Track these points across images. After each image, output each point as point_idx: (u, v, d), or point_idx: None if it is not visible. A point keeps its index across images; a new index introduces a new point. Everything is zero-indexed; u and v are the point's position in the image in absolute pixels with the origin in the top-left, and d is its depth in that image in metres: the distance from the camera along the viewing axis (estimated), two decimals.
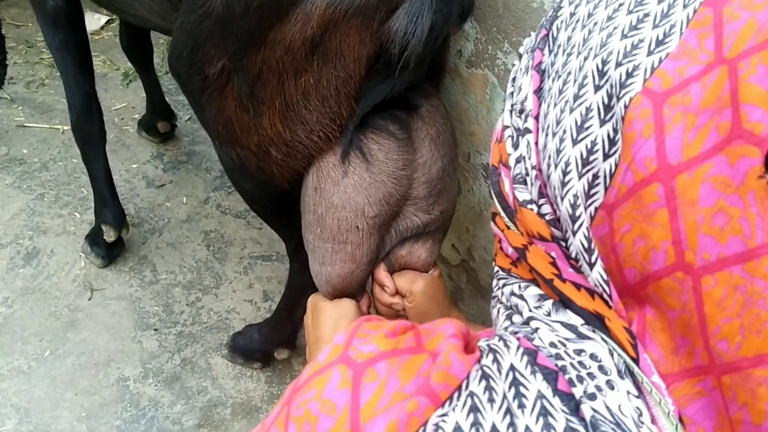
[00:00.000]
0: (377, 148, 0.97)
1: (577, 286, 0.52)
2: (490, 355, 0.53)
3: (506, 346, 0.53)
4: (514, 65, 0.61)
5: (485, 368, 0.52)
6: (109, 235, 1.84)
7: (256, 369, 1.71)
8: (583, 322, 0.53)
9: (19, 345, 1.72)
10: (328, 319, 1.04)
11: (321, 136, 0.97)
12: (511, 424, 0.48)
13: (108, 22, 2.72)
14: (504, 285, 0.63)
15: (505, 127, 0.59)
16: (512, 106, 0.59)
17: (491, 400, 0.49)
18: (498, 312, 0.64)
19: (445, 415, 0.49)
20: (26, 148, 2.24)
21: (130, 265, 1.94)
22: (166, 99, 2.25)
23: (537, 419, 0.48)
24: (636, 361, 0.48)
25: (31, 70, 2.54)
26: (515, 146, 0.57)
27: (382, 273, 1.07)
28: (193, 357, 1.74)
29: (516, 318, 0.60)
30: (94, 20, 2.71)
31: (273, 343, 1.65)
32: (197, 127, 2.31)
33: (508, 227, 0.60)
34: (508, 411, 0.49)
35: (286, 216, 1.18)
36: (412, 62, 0.89)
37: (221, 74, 0.94)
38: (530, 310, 0.58)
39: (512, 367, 0.51)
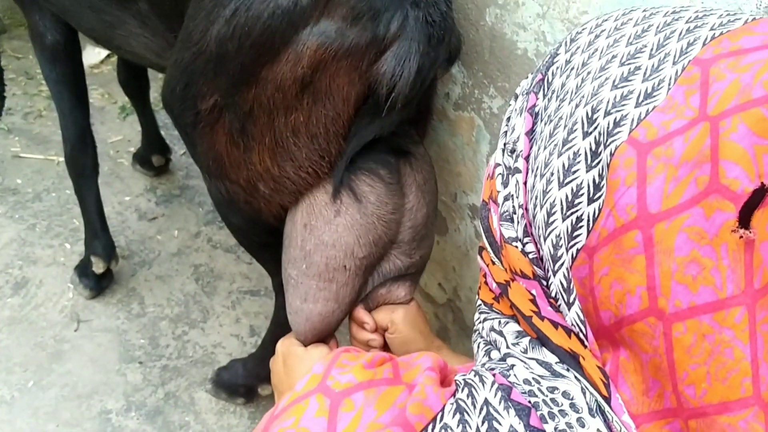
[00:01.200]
0: (369, 190, 0.98)
1: (555, 325, 0.54)
2: (465, 389, 0.54)
3: (481, 381, 0.54)
4: (510, 105, 0.63)
5: (460, 402, 0.53)
6: (98, 267, 1.85)
7: (240, 404, 1.70)
8: (558, 360, 0.54)
9: (3, 375, 1.71)
10: (303, 366, 1.01)
11: (310, 172, 0.99)
12: None
13: (108, 56, 2.77)
14: (485, 320, 0.65)
15: (497, 165, 0.61)
16: (504, 144, 0.61)
17: None
18: (478, 346, 0.65)
19: None
20: (20, 179, 2.25)
21: (118, 297, 1.94)
22: (162, 133, 2.27)
23: None
24: (608, 400, 0.49)
25: (30, 102, 2.57)
26: (505, 184, 0.59)
27: (360, 311, 1.07)
28: (176, 391, 1.73)
29: (494, 354, 0.61)
30: (94, 54, 2.75)
31: (257, 378, 1.65)
32: (192, 161, 2.32)
33: (493, 262, 0.61)
34: None
35: (273, 251, 1.19)
36: (399, 103, 0.91)
37: (213, 110, 0.96)
38: (508, 347, 0.59)
39: (486, 402, 0.52)
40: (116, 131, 2.48)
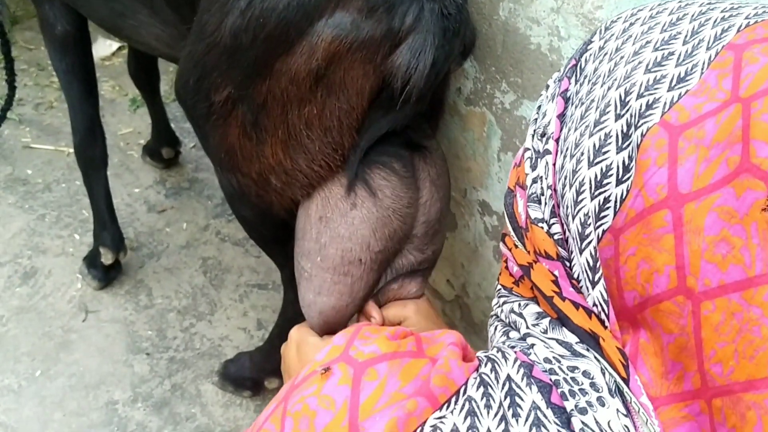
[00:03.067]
0: (385, 183, 0.98)
1: (576, 305, 0.54)
2: (489, 365, 0.55)
3: (504, 357, 0.55)
4: (541, 94, 0.64)
5: (484, 376, 0.54)
6: (107, 258, 1.86)
7: (246, 397, 1.71)
8: (578, 340, 0.55)
9: (11, 364, 1.72)
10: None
11: (323, 165, 0.98)
12: (506, 431, 0.49)
13: (119, 48, 2.77)
14: (504, 303, 0.65)
15: (526, 150, 0.61)
16: (534, 131, 0.61)
17: (488, 407, 0.51)
18: (495, 329, 0.65)
19: (443, 417, 0.51)
20: (31, 169, 2.26)
21: (126, 289, 1.95)
22: (172, 126, 2.28)
23: (530, 429, 0.50)
24: (626, 381, 0.50)
25: (41, 93, 2.58)
26: (533, 167, 0.60)
27: (369, 304, 1.07)
28: (183, 383, 1.73)
29: (513, 334, 0.62)
30: (106, 46, 2.76)
31: (264, 371, 1.65)
32: (201, 154, 2.34)
33: (516, 246, 0.62)
34: (504, 418, 0.50)
35: (283, 244, 1.19)
36: (413, 96, 0.91)
37: (226, 102, 0.96)
38: (527, 327, 0.60)
39: (509, 378, 0.53)
40: (126, 123, 2.49)
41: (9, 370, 1.71)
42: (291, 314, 1.47)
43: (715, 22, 0.50)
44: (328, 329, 1.05)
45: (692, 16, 0.52)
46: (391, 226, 0.99)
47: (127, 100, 2.57)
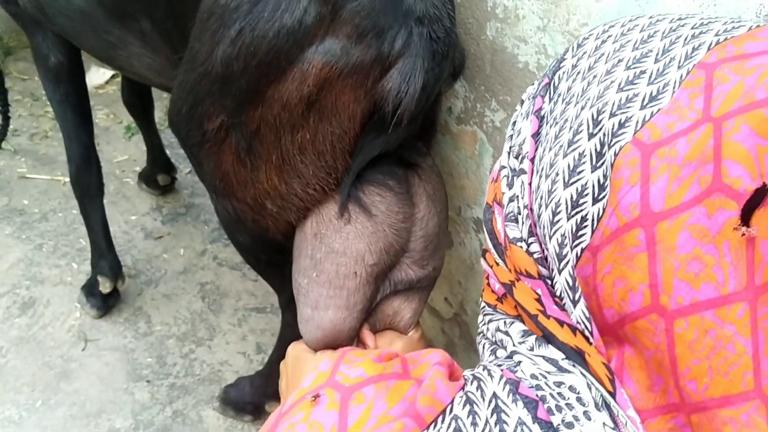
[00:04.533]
0: (379, 200, 0.99)
1: (560, 323, 0.55)
2: (474, 383, 0.55)
3: (490, 375, 0.55)
4: (516, 110, 0.64)
5: (469, 394, 0.54)
6: (105, 287, 1.86)
7: (247, 422, 1.70)
8: (564, 356, 0.55)
9: (11, 395, 1.72)
10: (311, 368, 1.02)
11: (317, 189, 0.99)
12: None
13: (113, 76, 2.79)
14: (490, 321, 0.65)
15: (502, 167, 0.62)
16: (510, 148, 0.62)
17: (474, 424, 0.51)
18: (483, 347, 0.66)
19: None
20: (27, 199, 2.27)
21: (125, 316, 1.95)
22: (167, 152, 2.29)
23: None
24: (613, 395, 0.50)
25: (36, 123, 2.59)
26: (510, 186, 0.60)
27: (364, 331, 1.08)
28: (184, 409, 1.73)
29: (500, 352, 0.62)
30: (99, 75, 2.78)
31: (264, 395, 1.65)
32: (197, 180, 2.34)
33: (497, 263, 0.62)
34: None
35: (280, 268, 1.20)
36: (405, 119, 0.92)
37: (220, 130, 0.97)
38: (514, 345, 0.60)
39: (495, 395, 0.53)
40: (122, 151, 2.50)
41: (9, 401, 1.70)
42: (290, 337, 1.46)
43: (685, 39, 0.50)
44: (325, 344, 1.06)
45: (663, 33, 0.53)
46: (387, 239, 1.00)
47: (122, 127, 2.59)
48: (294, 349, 1.08)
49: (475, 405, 0.52)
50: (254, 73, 0.90)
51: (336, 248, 0.99)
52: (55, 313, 1.93)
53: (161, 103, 2.42)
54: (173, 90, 1.03)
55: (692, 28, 0.52)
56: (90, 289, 1.91)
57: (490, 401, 0.52)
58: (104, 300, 1.91)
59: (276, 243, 1.10)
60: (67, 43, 1.54)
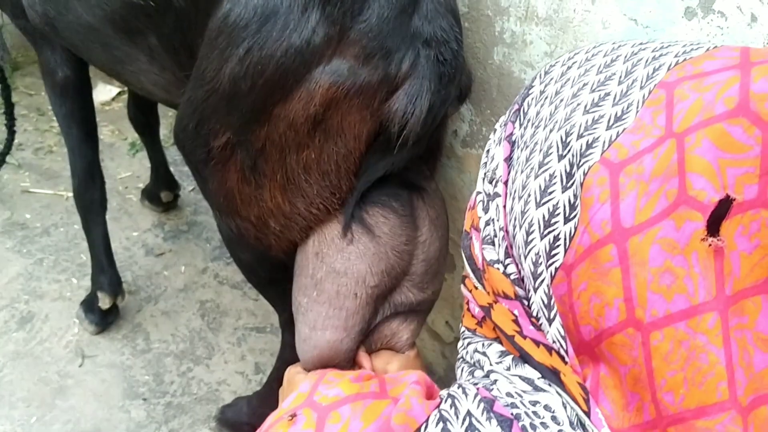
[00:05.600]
0: (383, 221, 0.99)
1: (537, 343, 0.55)
2: (449, 401, 0.56)
3: (464, 393, 0.56)
4: (489, 138, 0.66)
5: (443, 412, 0.55)
6: (104, 302, 1.85)
7: None
8: (540, 376, 0.55)
9: (6, 410, 1.70)
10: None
11: (321, 208, 0.99)
12: None
13: (119, 93, 2.81)
14: (469, 344, 0.66)
15: (478, 193, 0.63)
16: (485, 174, 0.63)
17: None
18: (462, 371, 0.66)
19: None
20: (29, 213, 2.27)
21: (123, 333, 1.94)
22: (171, 169, 2.29)
23: None
24: (588, 414, 0.50)
25: (41, 138, 2.60)
26: (485, 210, 0.62)
27: (360, 353, 1.07)
28: (180, 429, 1.71)
29: (477, 373, 0.63)
30: (106, 91, 2.79)
31: (262, 416, 1.61)
32: (200, 197, 2.35)
33: (476, 288, 0.63)
34: None
35: (281, 287, 1.19)
36: (410, 140, 0.92)
37: (225, 147, 0.97)
38: (491, 365, 0.61)
39: (469, 413, 0.54)
40: (126, 167, 2.50)
41: (4, 417, 1.69)
42: (289, 358, 1.46)
43: (646, 62, 0.52)
44: (321, 365, 1.05)
45: (625, 56, 0.55)
46: (388, 261, 0.99)
47: (127, 144, 2.60)
48: (288, 372, 1.08)
49: (448, 423, 0.53)
50: (261, 92, 0.90)
51: (337, 268, 0.99)
52: (53, 328, 1.92)
53: (166, 120, 2.43)
54: (180, 107, 1.04)
55: (653, 51, 0.54)
56: (89, 304, 1.90)
57: (464, 419, 0.53)
58: (103, 316, 1.90)
59: (278, 262, 1.10)
60: (74, 59, 1.55)
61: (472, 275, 0.64)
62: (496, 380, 0.57)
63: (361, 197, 0.98)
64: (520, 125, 0.61)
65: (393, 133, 0.92)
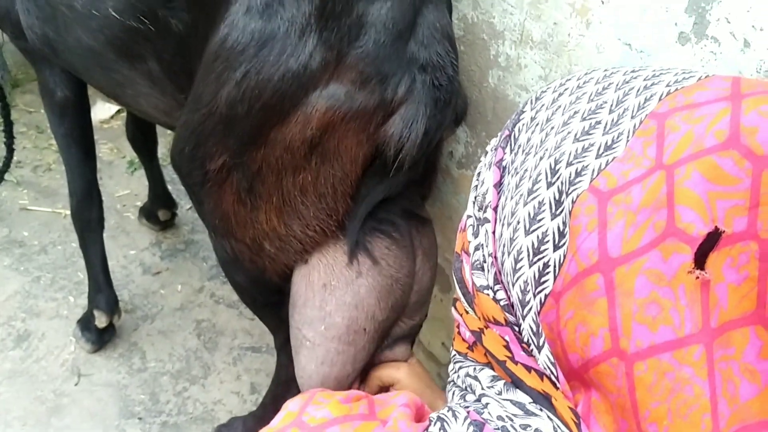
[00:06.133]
0: (387, 253, 0.99)
1: (528, 368, 0.56)
2: (438, 423, 0.56)
3: (454, 416, 0.56)
4: (481, 161, 0.66)
5: None
6: (101, 321, 1.85)
7: None
8: (531, 400, 0.55)
9: (1, 428, 1.69)
10: None
11: (317, 230, 0.99)
12: None
13: (118, 111, 2.81)
14: (460, 368, 0.66)
15: (468, 217, 0.63)
16: (475, 198, 0.63)
17: None
18: (453, 395, 0.66)
19: None
20: (27, 231, 2.27)
21: (119, 352, 1.93)
22: (169, 188, 2.29)
23: None
24: None
25: (39, 155, 2.60)
26: (475, 235, 0.61)
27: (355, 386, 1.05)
28: None
29: (469, 397, 0.63)
30: (105, 109, 2.80)
31: None
32: (197, 216, 2.34)
33: (467, 312, 0.63)
34: None
35: (276, 309, 1.19)
36: (406, 164, 0.92)
37: (221, 170, 0.97)
38: (483, 389, 0.61)
39: None
40: (124, 185, 2.51)
41: None
42: (284, 379, 1.45)
43: (638, 91, 0.52)
44: None
45: (617, 85, 0.55)
46: (394, 295, 0.99)
47: (125, 162, 2.60)
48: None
49: None
50: (258, 116, 0.91)
51: (348, 301, 0.97)
52: (50, 346, 1.92)
53: (165, 139, 2.44)
54: (177, 129, 1.04)
55: (644, 79, 0.54)
56: (86, 323, 1.90)
57: None
58: (99, 335, 1.89)
59: (273, 284, 1.10)
60: (73, 79, 1.56)
61: (462, 299, 0.64)
62: (487, 404, 0.57)
63: (362, 225, 0.98)
64: (511, 151, 0.61)
65: (389, 157, 0.92)
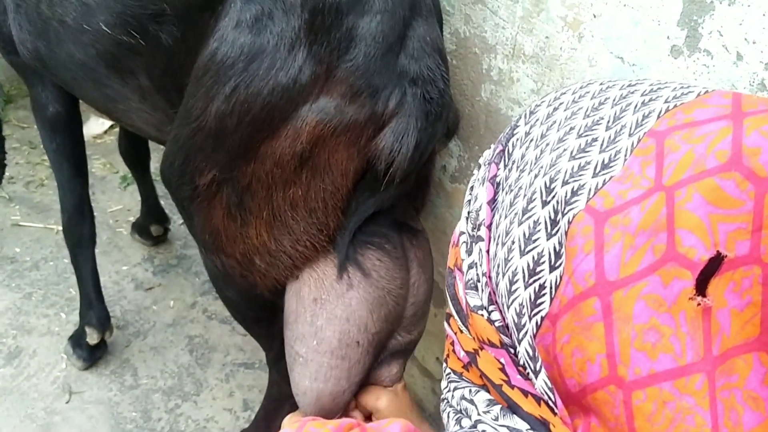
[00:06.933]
0: (379, 264, 0.98)
1: (525, 393, 0.54)
2: None
3: None
4: (473, 175, 0.64)
5: None
6: (92, 338, 1.83)
7: None
8: (528, 427, 0.54)
9: None
10: None
11: (308, 245, 0.98)
12: None
13: (111, 126, 2.81)
14: (455, 389, 0.64)
15: (461, 233, 0.62)
16: (468, 213, 0.62)
17: None
18: (448, 416, 0.64)
19: None
20: (19, 247, 2.25)
21: (111, 368, 1.91)
22: (161, 203, 2.29)
23: None
24: None
25: (32, 171, 2.59)
26: (469, 252, 0.60)
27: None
28: None
29: (464, 422, 0.61)
30: (98, 124, 2.79)
31: None
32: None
33: (461, 331, 0.61)
34: None
35: (267, 325, 1.18)
36: (397, 177, 0.92)
37: (211, 185, 0.96)
38: (479, 414, 0.59)
39: None
40: (117, 201, 2.49)
41: None
42: (276, 395, 1.44)
43: (636, 107, 0.51)
44: (322, 416, 1.01)
45: (614, 100, 0.53)
46: (387, 306, 0.98)
47: (118, 177, 2.59)
48: (289, 421, 1.02)
49: None
50: (248, 130, 0.90)
51: (338, 315, 0.96)
52: (41, 363, 1.90)
53: (157, 154, 2.42)
54: (167, 144, 1.04)
55: (642, 95, 0.52)
56: (77, 340, 1.88)
57: None
58: (91, 351, 1.88)
59: (263, 300, 1.09)
60: (65, 94, 1.55)
61: (456, 316, 0.62)
62: (484, 431, 0.56)
63: (352, 239, 0.97)
64: (505, 166, 0.60)
65: (380, 170, 0.92)
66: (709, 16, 0.72)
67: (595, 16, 0.86)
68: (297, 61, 0.87)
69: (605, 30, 0.85)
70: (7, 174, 2.18)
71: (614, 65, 0.86)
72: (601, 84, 0.58)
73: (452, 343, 0.66)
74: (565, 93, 0.60)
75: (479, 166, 0.64)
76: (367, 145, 0.91)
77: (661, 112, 0.49)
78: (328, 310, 0.97)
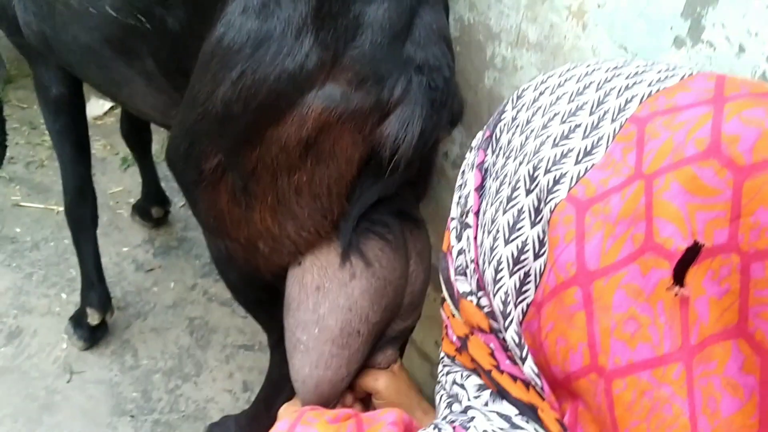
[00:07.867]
0: (381, 254, 0.99)
1: (514, 378, 0.55)
2: None
3: None
4: (465, 158, 0.64)
5: None
6: (93, 318, 1.84)
7: None
8: (517, 412, 0.54)
9: None
10: None
11: (311, 231, 0.99)
12: None
13: (111, 108, 2.80)
14: (448, 372, 0.65)
15: (452, 219, 0.62)
16: (459, 198, 0.62)
17: None
18: (441, 399, 0.65)
19: None
20: (20, 227, 2.26)
21: (111, 349, 1.93)
22: (162, 185, 2.29)
23: None
24: None
25: (32, 151, 2.59)
26: (458, 238, 0.60)
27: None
28: None
29: (455, 407, 0.62)
30: (98, 106, 2.79)
31: None
32: (190, 213, 2.32)
33: (453, 315, 0.62)
34: None
35: (269, 308, 1.19)
36: (402, 165, 0.92)
37: (216, 169, 0.97)
38: (469, 399, 0.60)
39: None
40: (117, 182, 2.50)
41: None
42: (277, 378, 1.45)
43: (619, 91, 0.51)
44: (321, 403, 1.02)
45: (597, 84, 0.53)
46: (387, 297, 0.98)
47: (119, 159, 2.59)
48: (285, 411, 1.03)
49: None
50: (254, 115, 0.91)
51: (341, 304, 0.97)
52: (42, 343, 1.91)
53: (158, 136, 2.43)
54: (172, 128, 1.04)
55: (626, 78, 0.52)
56: (78, 320, 1.89)
57: None
58: (92, 332, 1.89)
59: (266, 283, 1.10)
60: (69, 76, 1.55)
61: (449, 300, 0.63)
62: (473, 417, 0.56)
63: (356, 227, 0.98)
64: (492, 152, 0.60)
65: (384, 158, 0.92)
66: (712, 7, 0.73)
67: (599, 6, 0.86)
68: (304, 48, 0.87)
69: (609, 19, 0.86)
70: (7, 154, 2.18)
71: (617, 54, 0.86)
72: (587, 66, 0.57)
73: (446, 327, 0.67)
74: (551, 76, 0.59)
75: (470, 149, 0.64)
76: (372, 133, 0.91)
77: (643, 96, 0.49)
78: (330, 299, 0.98)
